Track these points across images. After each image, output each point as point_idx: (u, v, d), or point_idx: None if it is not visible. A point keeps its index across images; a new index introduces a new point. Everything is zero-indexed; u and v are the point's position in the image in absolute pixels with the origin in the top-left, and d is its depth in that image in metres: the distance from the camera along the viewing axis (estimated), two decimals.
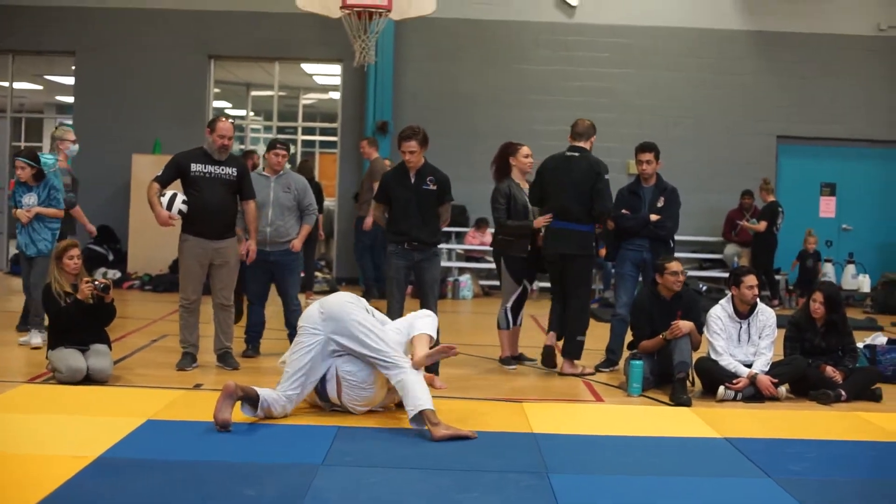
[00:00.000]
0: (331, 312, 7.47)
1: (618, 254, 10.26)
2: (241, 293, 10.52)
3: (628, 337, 9.77)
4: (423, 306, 9.12)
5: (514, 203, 9.88)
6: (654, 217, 10.00)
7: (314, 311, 7.57)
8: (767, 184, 16.87)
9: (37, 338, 10.31)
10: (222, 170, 9.35)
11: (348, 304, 7.54)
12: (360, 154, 16.28)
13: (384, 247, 10.14)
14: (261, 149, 20.34)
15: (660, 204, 10.10)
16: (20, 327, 11.03)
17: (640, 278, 10.27)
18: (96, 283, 8.69)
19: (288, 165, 10.59)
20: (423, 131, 9.23)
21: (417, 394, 7.13)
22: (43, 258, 10.41)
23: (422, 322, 7.90)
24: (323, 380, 7.54)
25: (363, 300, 7.73)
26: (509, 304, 10.06)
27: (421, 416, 7.06)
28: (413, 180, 9.20)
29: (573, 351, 9.88)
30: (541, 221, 9.77)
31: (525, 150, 10.13)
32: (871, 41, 18.18)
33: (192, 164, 9.30)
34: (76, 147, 11.58)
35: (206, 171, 9.30)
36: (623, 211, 10.10)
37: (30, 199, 10.48)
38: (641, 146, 10.25)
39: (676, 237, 10.35)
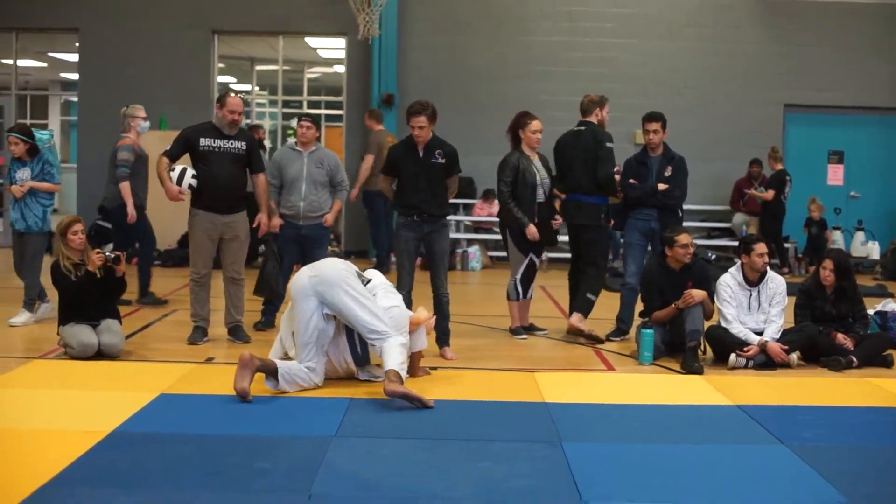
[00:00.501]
0: (321, 276, 7.46)
1: (626, 223, 10.25)
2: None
3: (639, 306, 9.75)
4: (433, 277, 9.12)
5: (522, 177, 9.85)
6: (661, 186, 9.98)
7: (304, 276, 7.55)
8: (776, 152, 16.82)
9: (23, 316, 10.30)
10: (231, 144, 9.33)
11: (339, 270, 7.54)
12: (366, 128, 16.24)
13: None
14: (267, 123, 20.35)
15: (667, 173, 10.06)
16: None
17: (649, 247, 10.26)
18: (107, 254, 8.71)
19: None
20: (431, 106, 9.21)
21: (394, 356, 7.24)
22: (32, 235, 10.40)
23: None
24: (365, 344, 7.63)
25: (353, 266, 7.76)
26: (518, 276, 10.07)
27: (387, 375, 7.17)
28: (421, 154, 9.18)
29: (583, 307, 10.01)
30: (531, 232, 9.85)
31: (535, 124, 9.99)
32: (875, 8, 18.08)
33: (202, 139, 9.28)
34: (147, 124, 11.69)
35: (215, 145, 9.28)
36: (630, 181, 10.10)
37: (23, 173, 10.40)
38: (648, 116, 10.20)
39: (684, 206, 10.34)
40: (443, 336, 9.08)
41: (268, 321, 10.27)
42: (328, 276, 7.44)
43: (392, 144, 10.69)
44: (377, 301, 7.61)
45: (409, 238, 9.17)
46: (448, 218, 9.67)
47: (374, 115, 15.48)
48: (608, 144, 9.96)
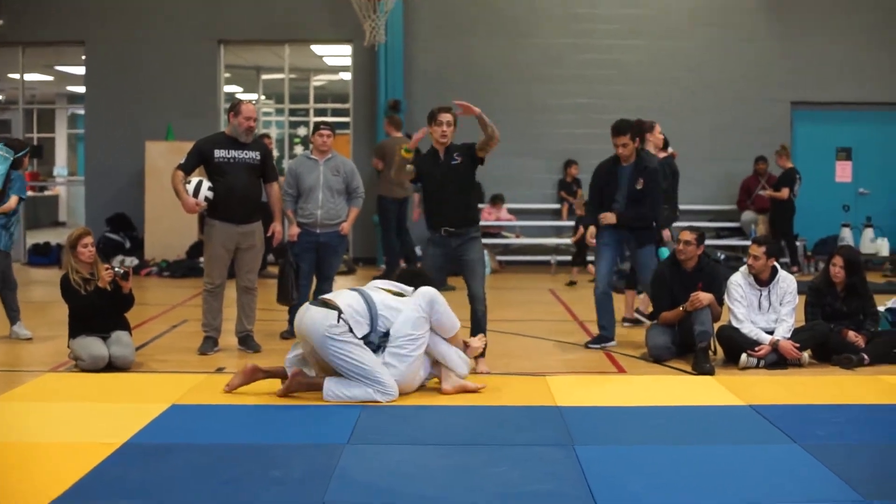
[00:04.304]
0: (308, 338, 7.43)
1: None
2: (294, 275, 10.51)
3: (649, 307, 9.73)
4: (469, 288, 8.88)
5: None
6: (609, 219, 9.69)
7: (299, 320, 7.56)
8: (785, 149, 16.75)
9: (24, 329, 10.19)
10: (245, 154, 9.37)
11: (325, 339, 7.30)
12: (373, 134, 16.27)
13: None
14: (273, 132, 20.38)
15: (638, 186, 9.68)
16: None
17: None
18: (116, 269, 8.68)
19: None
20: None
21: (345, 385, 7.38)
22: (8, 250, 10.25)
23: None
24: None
25: (335, 319, 7.34)
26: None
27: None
28: (443, 158, 9.07)
29: None
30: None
31: None
32: (883, 2, 18.01)
33: (216, 150, 9.31)
34: None
35: (229, 156, 9.31)
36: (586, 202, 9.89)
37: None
38: (616, 128, 9.70)
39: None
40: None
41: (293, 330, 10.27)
42: (313, 341, 7.38)
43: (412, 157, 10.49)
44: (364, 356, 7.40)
45: (437, 254, 8.90)
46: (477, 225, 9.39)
47: (394, 122, 15.39)
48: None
